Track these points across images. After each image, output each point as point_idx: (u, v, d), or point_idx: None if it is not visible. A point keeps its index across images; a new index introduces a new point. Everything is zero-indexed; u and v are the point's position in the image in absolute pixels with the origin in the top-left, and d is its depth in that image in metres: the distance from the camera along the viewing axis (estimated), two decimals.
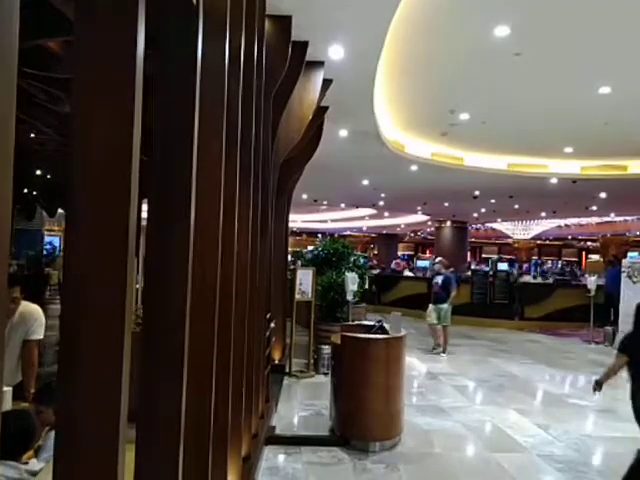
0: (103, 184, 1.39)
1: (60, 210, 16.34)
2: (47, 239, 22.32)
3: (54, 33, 3.82)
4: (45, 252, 19.73)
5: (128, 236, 1.38)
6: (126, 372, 1.39)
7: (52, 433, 2.77)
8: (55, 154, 9.21)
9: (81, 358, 1.37)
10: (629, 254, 11.61)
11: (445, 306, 9.58)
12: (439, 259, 10.81)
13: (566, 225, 28.02)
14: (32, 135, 7.98)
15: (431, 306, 9.76)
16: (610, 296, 11.65)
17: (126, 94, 1.41)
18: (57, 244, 22.54)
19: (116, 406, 1.36)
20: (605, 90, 7.04)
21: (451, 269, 11.08)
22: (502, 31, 5.40)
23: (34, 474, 2.28)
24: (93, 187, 1.39)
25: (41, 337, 3.86)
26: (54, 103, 6.01)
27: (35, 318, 3.83)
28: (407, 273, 18.80)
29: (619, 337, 10.46)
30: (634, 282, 10.49)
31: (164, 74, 2.00)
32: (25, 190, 13.84)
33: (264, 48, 4.05)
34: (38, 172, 12.00)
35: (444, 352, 9.44)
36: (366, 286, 9.79)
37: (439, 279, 9.80)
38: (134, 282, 1.50)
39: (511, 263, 20.75)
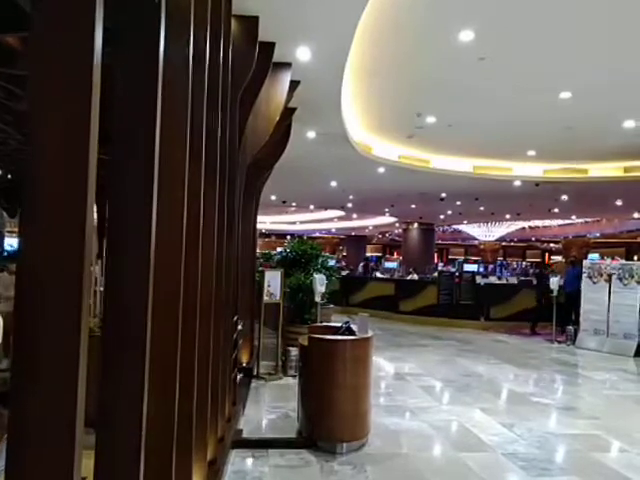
0: (59, 183, 1.36)
1: None
2: (8, 240, 21.74)
3: (12, 28, 3.70)
4: (6, 254, 19.18)
5: (85, 235, 1.34)
6: (82, 375, 1.35)
7: None
8: (15, 153, 8.95)
9: (35, 361, 1.33)
10: (590, 255, 11.96)
11: None
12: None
13: (530, 227, 28.70)
14: None
15: None
16: (569, 296, 11.93)
17: (83, 92, 1.37)
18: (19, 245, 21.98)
19: (72, 410, 1.32)
20: (566, 95, 7.23)
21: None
22: (467, 36, 5.50)
23: None
24: (49, 186, 1.36)
25: None
26: (12, 100, 5.83)
27: None
28: (376, 274, 19.02)
29: (580, 336, 10.78)
30: (594, 282, 10.79)
31: (124, 72, 1.96)
32: None
33: (230, 48, 4.02)
34: None
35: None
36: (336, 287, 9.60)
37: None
38: (91, 283, 1.46)
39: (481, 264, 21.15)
